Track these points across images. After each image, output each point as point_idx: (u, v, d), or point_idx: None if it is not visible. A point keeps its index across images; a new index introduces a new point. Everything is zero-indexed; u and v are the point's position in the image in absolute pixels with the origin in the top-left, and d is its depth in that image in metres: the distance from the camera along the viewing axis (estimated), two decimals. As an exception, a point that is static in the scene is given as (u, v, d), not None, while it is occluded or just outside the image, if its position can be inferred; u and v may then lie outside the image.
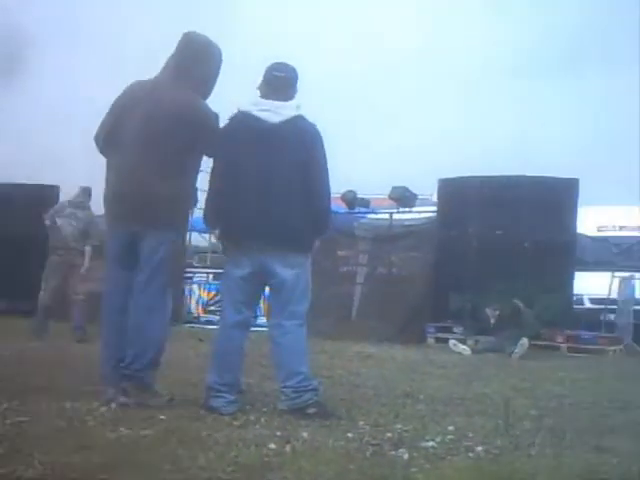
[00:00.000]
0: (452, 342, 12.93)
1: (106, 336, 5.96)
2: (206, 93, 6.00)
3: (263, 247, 5.66)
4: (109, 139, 5.92)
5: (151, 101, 5.83)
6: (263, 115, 5.73)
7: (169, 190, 5.71)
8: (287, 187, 5.67)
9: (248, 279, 5.75)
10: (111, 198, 5.97)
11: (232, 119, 5.89)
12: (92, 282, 11.27)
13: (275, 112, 5.73)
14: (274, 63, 5.97)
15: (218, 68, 6.06)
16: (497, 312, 13.36)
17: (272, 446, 4.52)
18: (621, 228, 18.08)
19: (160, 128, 5.76)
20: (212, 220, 6.06)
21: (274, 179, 5.66)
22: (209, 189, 5.91)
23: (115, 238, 5.98)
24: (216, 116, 5.94)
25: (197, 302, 16.74)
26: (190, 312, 16.37)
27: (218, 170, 5.87)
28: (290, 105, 5.81)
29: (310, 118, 5.86)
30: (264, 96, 5.86)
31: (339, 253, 15.98)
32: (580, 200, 14.64)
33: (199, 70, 5.91)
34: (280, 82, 5.88)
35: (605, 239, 17.91)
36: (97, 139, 6.04)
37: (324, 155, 5.80)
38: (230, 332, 5.82)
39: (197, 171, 5.99)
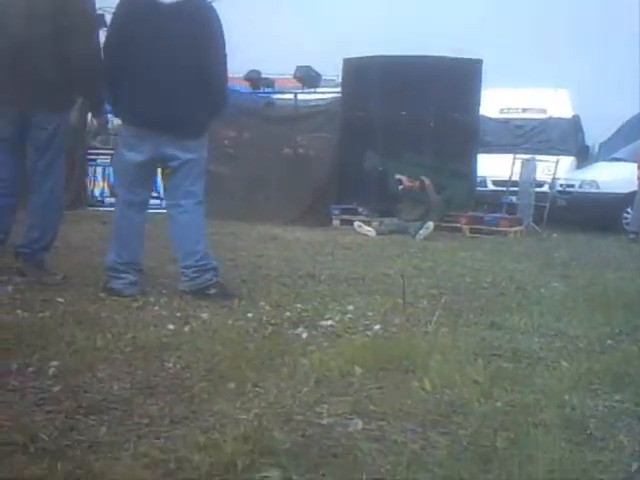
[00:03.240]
0: (357, 224, 12.98)
1: None
2: None
3: (159, 133, 5.56)
4: None
5: None
6: None
7: (54, 75, 5.64)
8: (182, 72, 5.49)
9: (143, 163, 5.67)
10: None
11: None
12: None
13: None
14: None
15: None
16: (409, 183, 13.29)
17: (170, 327, 4.52)
18: (524, 110, 18.26)
19: (36, 13, 5.61)
20: (110, 101, 5.93)
21: (168, 64, 5.46)
22: (104, 69, 5.75)
23: (6, 121, 5.83)
24: None
25: (100, 184, 16.45)
26: (94, 195, 16.06)
27: (111, 49, 5.68)
28: None
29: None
30: None
31: (245, 135, 15.78)
32: (484, 82, 14.64)
33: None
34: None
35: (507, 121, 18.10)
36: None
37: (221, 34, 5.60)
38: (127, 211, 5.75)
39: (92, 52, 5.72)
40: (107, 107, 6.26)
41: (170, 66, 5.46)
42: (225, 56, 5.66)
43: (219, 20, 5.63)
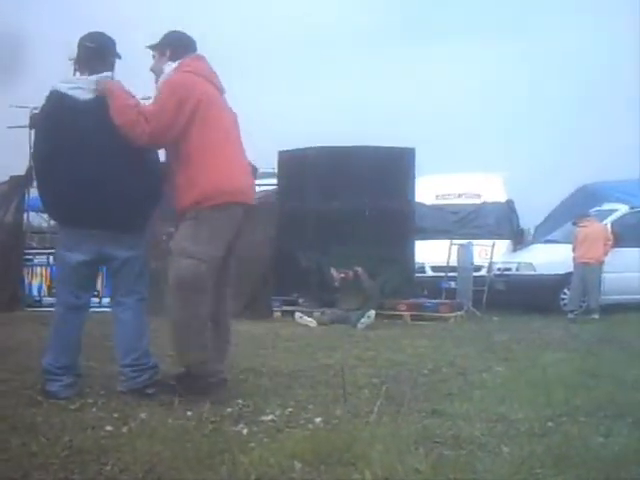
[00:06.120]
0: (298, 315, 12.97)
1: None
2: None
3: (99, 233, 5.50)
4: None
5: None
6: (75, 93, 5.46)
7: None
8: (112, 167, 5.42)
9: (84, 263, 5.58)
10: None
11: (47, 100, 5.60)
12: None
13: (86, 89, 5.47)
14: (87, 33, 5.69)
15: None
16: (342, 275, 13.45)
17: (108, 428, 4.45)
18: (459, 196, 18.53)
19: None
20: (46, 205, 5.86)
21: (97, 161, 5.40)
22: (36, 174, 5.76)
23: None
24: None
25: (38, 285, 16.24)
26: (31, 295, 15.84)
27: (41, 154, 5.69)
28: (104, 78, 5.53)
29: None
30: (80, 69, 5.65)
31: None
32: (419, 169, 14.95)
33: None
34: (93, 53, 5.61)
35: (443, 207, 18.32)
36: None
37: None
38: (67, 315, 5.64)
39: None
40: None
41: (101, 162, 5.39)
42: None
43: None
